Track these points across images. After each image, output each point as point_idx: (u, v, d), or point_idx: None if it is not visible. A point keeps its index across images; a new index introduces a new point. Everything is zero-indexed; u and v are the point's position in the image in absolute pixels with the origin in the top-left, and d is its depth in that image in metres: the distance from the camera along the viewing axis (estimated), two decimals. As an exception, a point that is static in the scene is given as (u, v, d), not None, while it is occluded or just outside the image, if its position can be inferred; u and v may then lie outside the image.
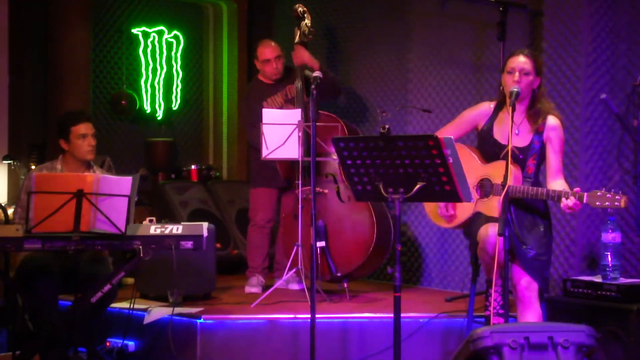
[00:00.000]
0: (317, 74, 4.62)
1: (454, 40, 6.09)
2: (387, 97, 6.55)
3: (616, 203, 4.00)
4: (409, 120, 6.36)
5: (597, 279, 4.67)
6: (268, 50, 5.97)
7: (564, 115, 5.23)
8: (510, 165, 4.07)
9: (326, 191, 5.67)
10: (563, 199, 4.11)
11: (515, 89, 4.21)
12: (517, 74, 4.32)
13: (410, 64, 6.37)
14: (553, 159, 4.37)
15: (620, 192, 4.00)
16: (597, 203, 4.04)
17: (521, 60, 4.35)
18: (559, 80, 5.26)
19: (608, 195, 4.02)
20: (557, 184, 4.31)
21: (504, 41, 5.40)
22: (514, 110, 4.10)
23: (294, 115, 5.42)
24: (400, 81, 6.44)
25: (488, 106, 4.53)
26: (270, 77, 6.00)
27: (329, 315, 4.95)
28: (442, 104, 6.15)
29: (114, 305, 4.87)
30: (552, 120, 4.38)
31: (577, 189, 4.14)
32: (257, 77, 6.13)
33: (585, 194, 4.08)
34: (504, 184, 3.99)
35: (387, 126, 3.69)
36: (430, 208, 4.63)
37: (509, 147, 3.99)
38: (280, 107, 5.87)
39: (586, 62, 5.16)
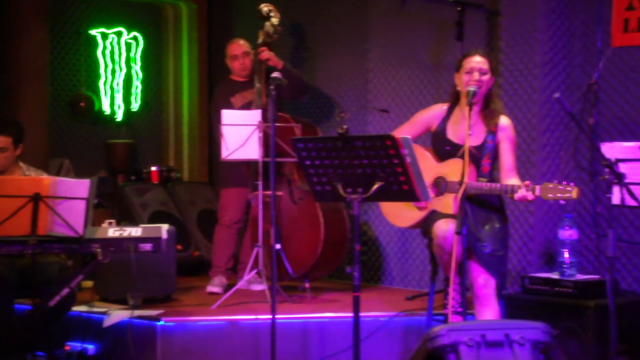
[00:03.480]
0: (276, 74, 4.61)
1: (414, 40, 6.12)
2: (347, 97, 6.56)
3: (568, 194, 4.03)
4: (369, 120, 6.38)
5: (555, 275, 4.72)
6: (235, 47, 6.02)
7: (521, 113, 5.30)
8: (467, 163, 4.09)
9: (279, 193, 5.68)
10: (517, 191, 4.17)
11: (473, 88, 4.24)
12: (476, 73, 4.36)
13: (370, 63, 6.39)
14: (507, 157, 4.41)
15: (572, 183, 4.04)
16: (550, 195, 4.07)
17: (478, 60, 4.39)
18: (515, 79, 5.32)
19: (560, 187, 4.05)
20: (512, 182, 4.34)
21: (461, 41, 5.44)
22: (471, 108, 4.12)
23: (254, 116, 5.42)
24: (360, 81, 6.46)
25: (441, 108, 4.57)
26: (239, 73, 6.03)
27: (290, 316, 4.94)
28: (402, 104, 6.18)
29: (73, 308, 4.82)
30: (504, 121, 4.42)
31: (527, 182, 4.19)
32: (227, 75, 6.15)
33: (538, 186, 4.12)
34: (461, 182, 4.02)
35: (345, 126, 3.69)
36: (387, 209, 4.65)
37: (466, 146, 4.01)
38: (248, 104, 5.89)
39: (543, 60, 5.22)
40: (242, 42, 6.05)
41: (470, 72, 4.37)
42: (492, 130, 4.38)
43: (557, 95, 3.91)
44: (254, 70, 5.97)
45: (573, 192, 4.03)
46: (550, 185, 4.07)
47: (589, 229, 5.17)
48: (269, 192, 4.86)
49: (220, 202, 6.08)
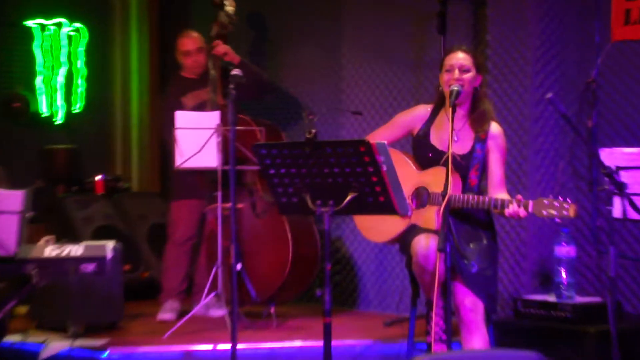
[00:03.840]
0: (236, 72, 4.60)
1: (392, 33, 6.14)
2: (317, 98, 6.58)
3: (564, 212, 4.03)
4: (342, 123, 6.40)
5: (551, 297, 4.74)
6: (188, 41, 6.00)
7: (511, 115, 5.33)
8: (451, 173, 4.09)
9: (240, 205, 5.66)
10: (508, 206, 4.16)
11: (456, 88, 4.24)
12: (456, 71, 4.36)
13: (343, 59, 6.40)
14: (496, 169, 4.41)
15: (568, 199, 4.05)
16: (544, 212, 4.07)
17: (459, 57, 4.39)
18: (505, 77, 5.35)
19: (555, 203, 4.05)
20: (500, 197, 4.31)
21: (444, 35, 5.47)
22: (454, 111, 4.11)
23: (212, 118, 5.40)
24: (332, 79, 6.48)
25: (424, 109, 4.58)
26: (192, 71, 6.03)
27: (253, 345, 4.93)
28: (379, 105, 6.20)
29: (4, 338, 4.78)
30: (495, 128, 4.43)
31: (519, 197, 4.18)
32: (178, 72, 6.13)
33: (531, 202, 4.11)
34: (444, 194, 4.00)
35: (313, 130, 3.68)
36: (361, 222, 4.64)
37: (449, 153, 4.01)
38: (202, 104, 5.88)
39: (534, 56, 5.25)
40: (195, 35, 6.03)
41: (450, 70, 4.38)
42: (481, 138, 4.40)
43: (549, 95, 3.93)
44: (208, 67, 5.97)
45: (570, 210, 4.03)
46: (545, 201, 4.08)
47: (588, 245, 5.20)
48: (228, 205, 4.83)
49: (171, 217, 6.05)
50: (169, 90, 6.16)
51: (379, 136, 4.56)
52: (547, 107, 5.23)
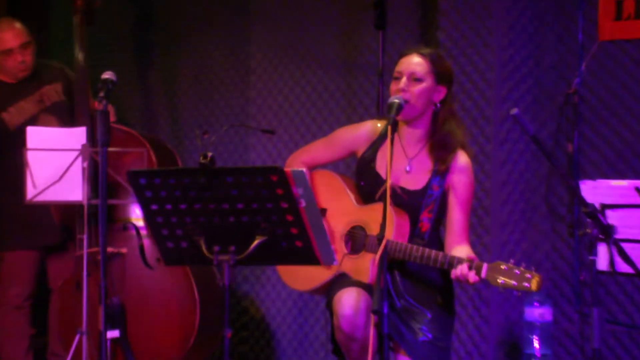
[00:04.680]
0: (108, 75, 4.58)
1: (315, 29, 6.18)
2: (217, 110, 6.59)
3: (525, 284, 4.06)
4: (252, 144, 6.42)
5: (520, 375, 4.79)
6: (9, 36, 5.91)
7: (469, 136, 5.29)
8: (391, 210, 4.13)
9: (124, 250, 5.61)
10: (457, 266, 4.17)
11: (396, 100, 4.25)
12: (404, 79, 4.39)
13: (252, 61, 6.43)
14: (456, 214, 4.43)
15: (532, 267, 4.08)
16: (499, 281, 4.10)
17: (412, 61, 4.42)
18: (461, 86, 5.40)
19: (515, 271, 4.08)
20: (459, 249, 4.36)
21: (383, 30, 5.51)
22: (393, 129, 4.10)
23: (76, 136, 5.35)
24: (237, 86, 6.51)
25: (373, 127, 4.61)
26: (15, 74, 5.96)
27: None
28: (299, 121, 6.24)
29: None
30: (462, 159, 4.45)
31: (472, 256, 4.22)
32: None
33: (485, 265, 4.14)
34: (380, 237, 3.98)
35: (209, 154, 3.69)
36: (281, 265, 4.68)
37: (388, 184, 3.98)
38: (34, 119, 5.83)
39: (500, 60, 5.31)
40: (18, 26, 5.93)
41: (397, 77, 4.42)
42: (441, 171, 4.43)
43: (514, 111, 3.95)
44: (36, 68, 5.94)
45: (533, 282, 4.05)
46: (503, 267, 4.11)
47: (567, 305, 5.26)
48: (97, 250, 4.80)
49: (2, 271, 6.00)
50: None
51: (312, 153, 4.64)
52: (515, 126, 5.28)
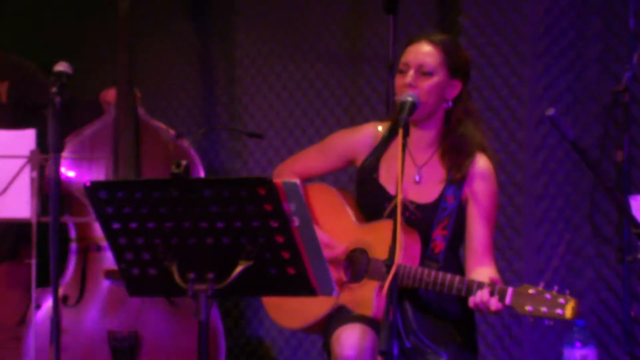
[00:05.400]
0: (62, 66, 4.68)
1: (313, 14, 6.34)
2: (195, 109, 6.75)
3: (558, 310, 4.15)
4: (236, 150, 6.59)
5: None
6: None
7: (497, 142, 5.49)
8: (401, 230, 4.20)
9: None
10: (476, 292, 4.27)
11: (410, 98, 4.34)
12: (411, 72, 4.52)
13: (237, 51, 6.59)
14: (480, 229, 4.55)
15: (567, 292, 4.17)
16: (528, 308, 4.19)
17: (422, 51, 4.55)
18: (488, 82, 5.56)
19: (546, 296, 4.17)
20: (481, 272, 4.46)
21: (395, 15, 5.62)
22: (405, 135, 4.16)
23: (22, 139, 5.48)
24: (223, 81, 6.66)
25: (374, 131, 4.74)
26: None
27: None
28: (293, 123, 6.42)
29: None
30: (482, 164, 4.57)
31: (494, 278, 4.32)
32: None
33: (510, 289, 4.24)
34: (388, 263, 4.04)
35: (184, 162, 3.72)
36: (267, 298, 4.79)
37: (398, 199, 4.07)
38: None
39: (535, 51, 5.43)
40: None
41: (403, 70, 4.54)
42: (457, 179, 4.54)
43: (551, 112, 3.98)
44: None
45: (567, 309, 4.15)
46: (531, 291, 4.20)
47: (616, 347, 5.37)
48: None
49: None
50: None
51: (304, 162, 4.78)
52: (553, 131, 5.31)
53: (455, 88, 4.57)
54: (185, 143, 5.81)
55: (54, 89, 4.60)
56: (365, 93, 6.15)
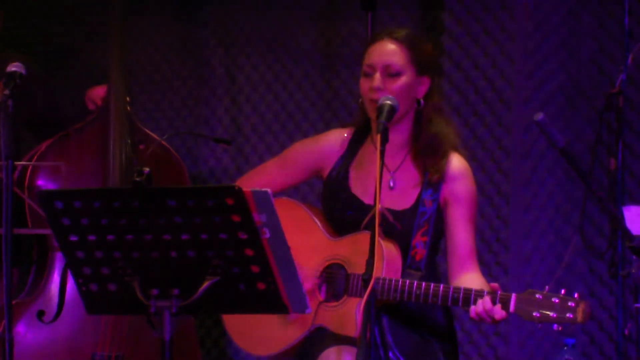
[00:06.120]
0: (15, 67, 4.59)
1: (285, 10, 6.23)
2: (159, 113, 6.65)
3: (568, 315, 4.07)
4: (202, 157, 6.49)
5: None
6: None
7: (482, 149, 5.43)
8: (381, 241, 4.15)
9: None
10: (476, 300, 4.18)
11: (389, 102, 4.24)
12: (377, 75, 4.44)
13: (204, 50, 6.49)
14: (461, 232, 4.47)
15: (575, 294, 4.09)
16: (535, 314, 4.11)
17: (387, 50, 4.48)
18: (472, 83, 5.45)
19: (554, 300, 4.09)
20: (468, 279, 4.39)
21: (373, 11, 5.52)
22: (384, 140, 4.09)
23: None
24: (186, 83, 6.56)
25: (339, 137, 4.67)
26: None
27: None
28: (265, 127, 6.31)
29: None
30: (457, 163, 4.50)
31: (495, 285, 4.22)
32: None
33: (514, 295, 4.15)
34: (366, 277, 3.95)
35: (146, 169, 3.65)
36: (232, 323, 4.67)
37: (376, 208, 4.00)
38: None
39: (523, 50, 5.36)
40: None
41: (368, 73, 4.47)
42: (433, 181, 4.46)
43: (539, 116, 3.97)
44: None
45: (578, 312, 4.08)
46: (538, 296, 4.12)
47: (609, 366, 5.27)
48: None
49: None
50: None
51: (266, 176, 4.66)
52: (542, 136, 5.21)
53: (424, 85, 4.53)
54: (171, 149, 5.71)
55: (6, 91, 4.50)
56: (341, 96, 6.08)
